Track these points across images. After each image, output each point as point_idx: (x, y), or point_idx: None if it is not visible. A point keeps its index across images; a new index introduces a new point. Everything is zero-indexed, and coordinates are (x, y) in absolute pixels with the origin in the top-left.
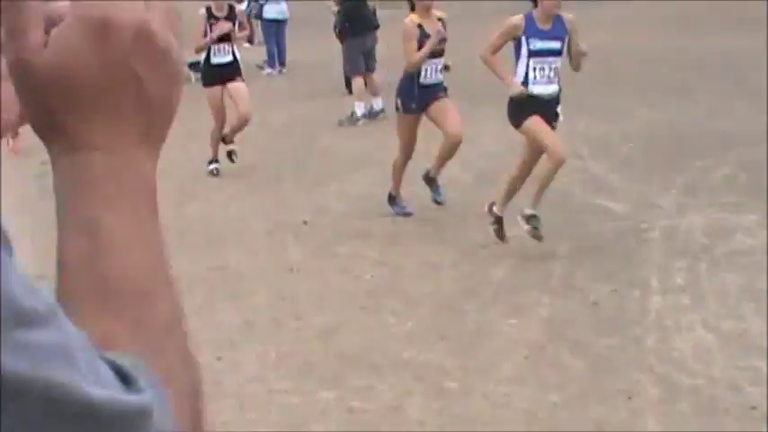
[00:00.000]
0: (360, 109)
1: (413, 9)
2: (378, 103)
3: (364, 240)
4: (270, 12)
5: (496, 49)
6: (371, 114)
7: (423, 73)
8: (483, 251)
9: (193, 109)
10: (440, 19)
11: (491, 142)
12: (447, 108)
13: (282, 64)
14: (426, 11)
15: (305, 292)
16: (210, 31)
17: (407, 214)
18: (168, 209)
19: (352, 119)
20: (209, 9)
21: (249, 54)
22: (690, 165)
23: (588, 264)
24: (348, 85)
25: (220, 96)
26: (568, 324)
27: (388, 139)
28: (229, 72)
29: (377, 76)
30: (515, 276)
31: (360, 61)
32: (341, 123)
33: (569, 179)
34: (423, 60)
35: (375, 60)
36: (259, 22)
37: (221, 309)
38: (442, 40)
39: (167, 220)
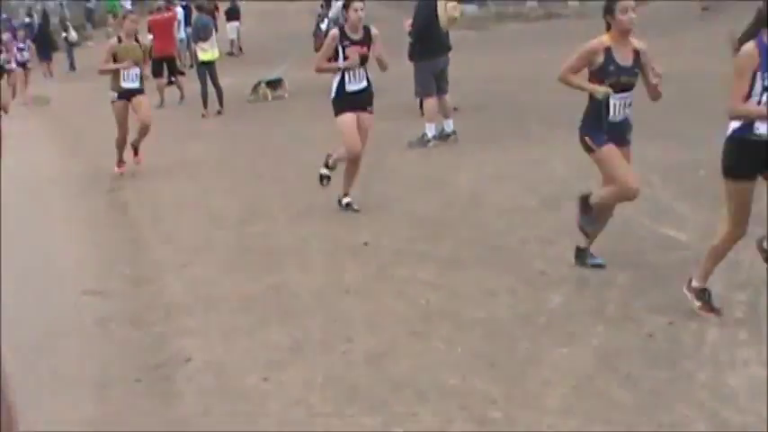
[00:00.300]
0: (431, 131)
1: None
2: (449, 126)
3: (423, 264)
4: None
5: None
6: (442, 136)
7: (611, 109)
8: (541, 278)
9: (261, 130)
10: (636, 50)
11: (561, 166)
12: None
13: None
14: (623, 35)
15: (358, 314)
16: (344, 54)
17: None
18: (233, 226)
19: (423, 140)
20: (342, 28)
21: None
22: (760, 194)
23: (646, 294)
24: (421, 106)
25: (354, 125)
26: (620, 355)
27: (456, 161)
28: (363, 100)
29: (449, 98)
30: (571, 304)
31: (431, 83)
32: (411, 145)
33: (635, 206)
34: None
35: (447, 82)
36: None
37: (273, 329)
38: (625, 71)
39: (230, 238)
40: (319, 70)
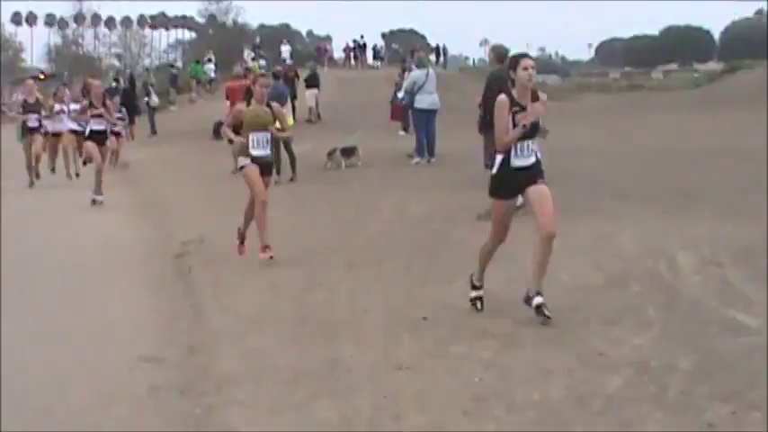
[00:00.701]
0: None
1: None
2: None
3: (480, 340)
4: (421, 102)
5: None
6: None
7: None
8: (600, 359)
9: (331, 199)
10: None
11: (629, 242)
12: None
13: (431, 154)
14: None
15: (409, 391)
16: (514, 124)
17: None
18: (292, 296)
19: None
20: (510, 95)
21: (400, 142)
22: None
23: (710, 380)
24: None
25: (505, 212)
26: None
27: (524, 235)
28: (529, 177)
29: None
30: (630, 388)
31: None
32: (480, 217)
33: (704, 287)
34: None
35: None
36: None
37: (322, 404)
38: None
39: (290, 308)
40: (507, 145)
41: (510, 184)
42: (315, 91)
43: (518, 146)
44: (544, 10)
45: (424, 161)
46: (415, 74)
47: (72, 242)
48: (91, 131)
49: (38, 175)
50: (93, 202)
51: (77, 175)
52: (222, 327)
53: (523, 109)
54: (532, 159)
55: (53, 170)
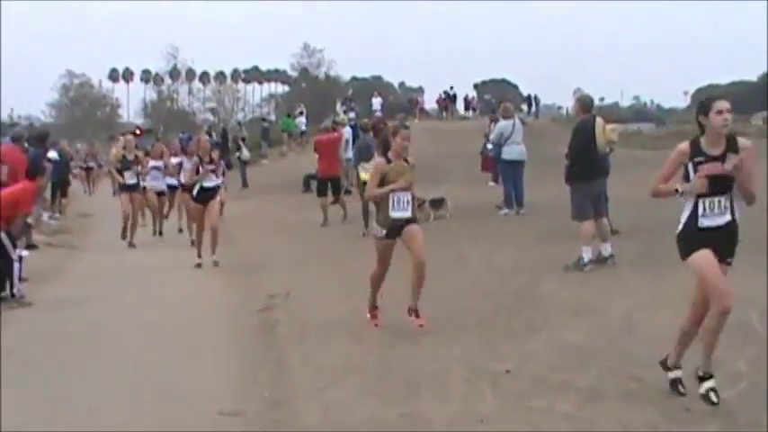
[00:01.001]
0: (587, 254)
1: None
2: (606, 249)
3: (563, 394)
4: (509, 153)
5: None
6: (599, 260)
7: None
8: (685, 414)
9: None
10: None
11: None
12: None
13: (520, 204)
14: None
15: None
16: (694, 173)
17: None
18: (376, 349)
19: (579, 264)
20: (696, 143)
21: (490, 193)
22: None
23: None
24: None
25: (716, 264)
26: None
27: (611, 286)
28: (723, 243)
29: (606, 221)
30: None
31: (587, 206)
32: (567, 268)
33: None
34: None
35: (605, 205)
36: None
37: None
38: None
39: (372, 361)
40: (656, 194)
41: (697, 246)
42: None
43: (705, 202)
44: (638, 58)
45: (512, 212)
46: (502, 125)
47: (159, 295)
48: (201, 189)
49: (131, 240)
50: (215, 263)
51: (161, 233)
52: (304, 380)
53: (711, 159)
54: (725, 218)
55: (180, 230)
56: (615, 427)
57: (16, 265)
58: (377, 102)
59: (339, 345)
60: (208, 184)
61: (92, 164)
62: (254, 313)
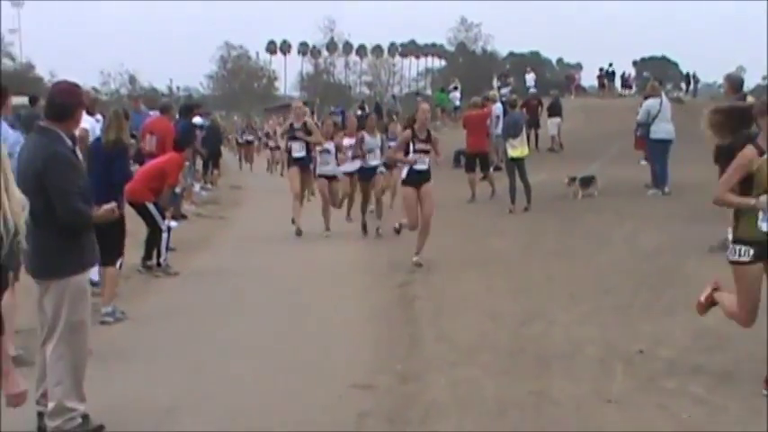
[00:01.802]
0: (732, 235)
1: None
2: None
3: (695, 376)
4: (657, 132)
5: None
6: None
7: None
8: None
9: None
10: None
11: None
12: None
13: (664, 183)
14: None
15: (614, 426)
16: None
17: None
18: (511, 327)
19: (725, 245)
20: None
21: (641, 172)
22: None
23: None
24: None
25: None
26: None
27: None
28: None
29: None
30: None
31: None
32: (712, 249)
33: None
34: None
35: None
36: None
37: None
38: None
39: (505, 338)
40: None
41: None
42: (557, 119)
43: None
44: None
45: (659, 192)
46: (649, 103)
47: (302, 268)
48: (412, 171)
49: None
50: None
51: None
52: (436, 356)
53: None
54: None
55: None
56: (743, 411)
57: (164, 235)
58: (530, 78)
59: (474, 321)
60: (421, 167)
61: (250, 137)
62: (394, 288)
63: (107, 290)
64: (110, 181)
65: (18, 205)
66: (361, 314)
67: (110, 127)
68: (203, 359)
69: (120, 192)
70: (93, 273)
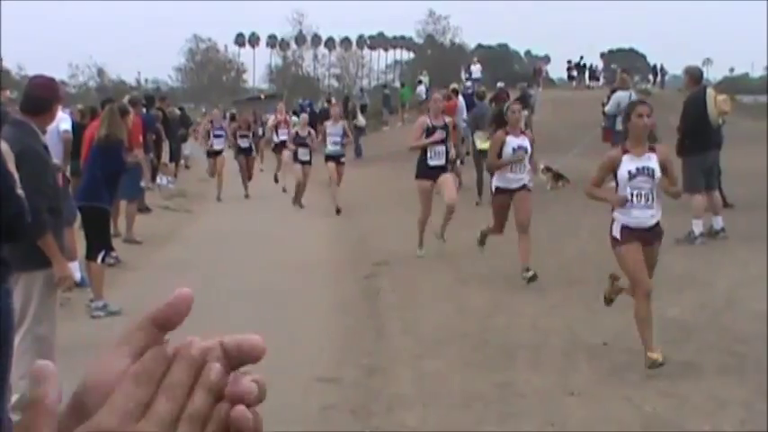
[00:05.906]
0: (698, 227)
1: None
2: (717, 223)
3: (659, 368)
4: None
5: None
6: (710, 233)
7: None
8: None
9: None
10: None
11: None
12: None
13: None
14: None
15: (576, 418)
16: None
17: None
18: (476, 319)
19: (690, 237)
20: None
21: None
22: None
23: None
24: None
25: None
26: None
27: (719, 260)
28: None
29: (718, 194)
30: None
31: (699, 178)
32: (677, 241)
33: None
34: None
35: (717, 178)
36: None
37: (488, 430)
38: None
39: (472, 330)
40: None
41: None
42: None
43: None
44: None
45: None
46: (618, 95)
47: (267, 260)
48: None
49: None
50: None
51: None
52: (402, 348)
53: None
54: None
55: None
56: (709, 403)
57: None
58: (476, 69)
59: (440, 314)
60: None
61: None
62: (359, 280)
63: (93, 284)
64: (102, 174)
65: None
66: (327, 306)
67: (103, 122)
68: None
69: (115, 184)
70: (76, 272)
